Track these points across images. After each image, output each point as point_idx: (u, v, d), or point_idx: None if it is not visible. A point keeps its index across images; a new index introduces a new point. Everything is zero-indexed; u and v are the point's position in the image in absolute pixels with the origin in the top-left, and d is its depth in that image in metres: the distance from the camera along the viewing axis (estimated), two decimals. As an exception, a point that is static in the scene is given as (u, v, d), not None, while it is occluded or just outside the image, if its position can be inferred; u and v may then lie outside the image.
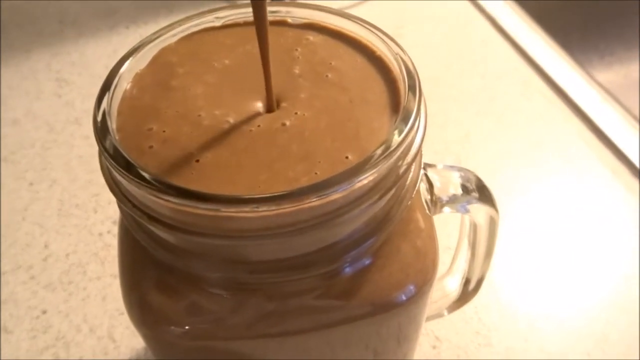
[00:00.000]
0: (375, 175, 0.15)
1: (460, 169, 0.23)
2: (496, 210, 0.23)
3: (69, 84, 0.49)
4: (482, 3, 0.56)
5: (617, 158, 0.42)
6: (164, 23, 0.54)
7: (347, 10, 0.20)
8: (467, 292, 0.28)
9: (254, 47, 0.19)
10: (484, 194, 0.23)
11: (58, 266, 0.36)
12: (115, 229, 0.37)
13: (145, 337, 0.20)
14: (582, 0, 0.73)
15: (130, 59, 0.18)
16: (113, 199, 0.17)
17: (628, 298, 0.34)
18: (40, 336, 0.32)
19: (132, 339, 0.32)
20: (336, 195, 0.15)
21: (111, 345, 0.32)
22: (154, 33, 0.19)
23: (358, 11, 0.53)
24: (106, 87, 0.17)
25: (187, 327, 0.18)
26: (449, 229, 0.33)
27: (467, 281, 0.27)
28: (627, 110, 0.46)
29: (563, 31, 0.70)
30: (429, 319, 0.30)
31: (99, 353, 0.32)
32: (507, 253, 0.36)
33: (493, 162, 0.42)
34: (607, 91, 0.48)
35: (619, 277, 0.35)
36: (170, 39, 0.20)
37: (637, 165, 0.41)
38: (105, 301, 0.34)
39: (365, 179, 0.15)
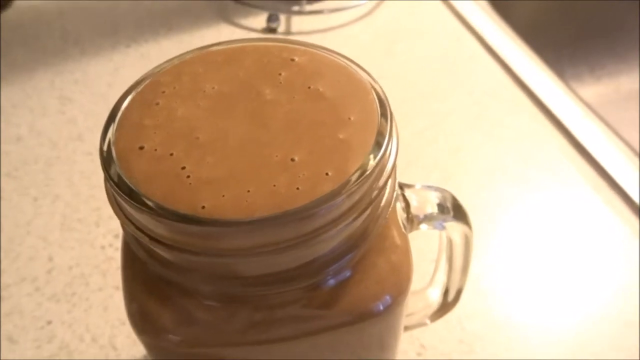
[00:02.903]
0: (352, 197, 0.17)
1: (437, 189, 0.25)
2: (470, 227, 0.25)
3: (72, 101, 0.50)
4: (469, 20, 0.58)
5: (599, 174, 0.44)
6: (163, 41, 0.57)
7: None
8: (447, 303, 0.29)
9: (244, 71, 0.21)
10: (459, 213, 0.24)
11: (61, 278, 0.37)
12: (116, 242, 0.39)
13: (146, 344, 0.22)
14: (573, 14, 0.74)
15: (134, 92, 0.20)
16: (113, 213, 0.18)
17: (612, 306, 0.36)
18: (45, 346, 0.34)
19: (133, 347, 0.34)
20: (317, 216, 0.17)
21: (112, 354, 0.34)
22: (157, 66, 0.21)
23: (354, 29, 0.55)
24: (111, 118, 0.19)
25: (183, 335, 0.20)
26: (433, 243, 0.34)
27: (446, 292, 0.29)
28: (610, 126, 0.48)
29: (553, 45, 0.72)
30: (413, 327, 0.31)
31: (101, 361, 0.33)
32: (493, 265, 0.38)
33: (481, 178, 0.44)
34: (592, 109, 0.50)
35: (602, 286, 0.37)
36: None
37: (626, 189, 0.43)
38: (107, 312, 0.36)
39: (343, 202, 0.17)
